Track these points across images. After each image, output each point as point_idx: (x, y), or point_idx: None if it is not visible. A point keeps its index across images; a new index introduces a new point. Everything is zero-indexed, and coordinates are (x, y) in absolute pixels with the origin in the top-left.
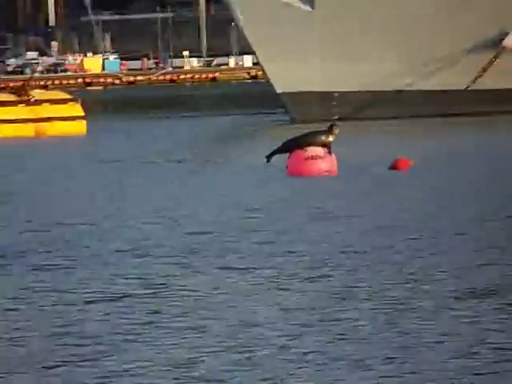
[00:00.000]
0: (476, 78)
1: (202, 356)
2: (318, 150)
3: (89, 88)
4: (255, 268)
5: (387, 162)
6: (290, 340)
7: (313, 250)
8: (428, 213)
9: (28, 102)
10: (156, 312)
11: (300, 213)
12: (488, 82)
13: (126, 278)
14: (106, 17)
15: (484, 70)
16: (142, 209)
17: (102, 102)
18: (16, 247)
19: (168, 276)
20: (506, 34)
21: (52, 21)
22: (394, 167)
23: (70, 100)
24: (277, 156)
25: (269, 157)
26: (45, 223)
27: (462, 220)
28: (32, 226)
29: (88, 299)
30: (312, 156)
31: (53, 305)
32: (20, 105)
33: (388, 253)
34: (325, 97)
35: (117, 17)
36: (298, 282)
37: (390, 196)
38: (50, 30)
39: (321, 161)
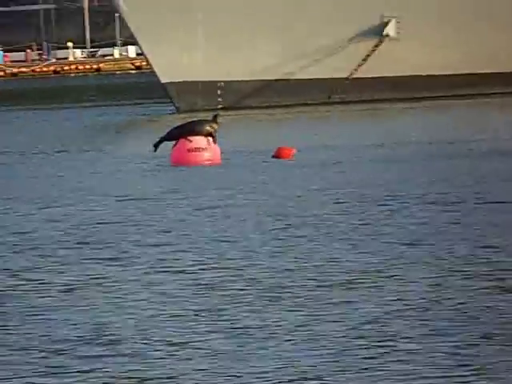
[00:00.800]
0: (358, 66)
1: None
2: (201, 142)
3: None
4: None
5: (270, 151)
6: None
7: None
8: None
9: None
10: None
11: (184, 203)
12: (370, 70)
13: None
14: None
15: (366, 58)
16: (24, 199)
17: None
18: None
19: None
20: (387, 22)
21: None
22: (277, 155)
23: None
24: (162, 146)
25: (156, 145)
26: None
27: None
28: None
29: None
30: (195, 148)
31: None
32: None
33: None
34: (209, 86)
35: (0, 8)
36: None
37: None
38: None
39: (204, 152)
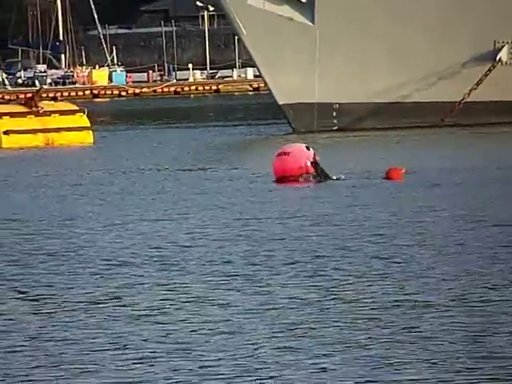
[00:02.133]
0: (471, 91)
1: None
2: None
3: (96, 100)
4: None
5: (381, 172)
6: None
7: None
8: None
9: (37, 113)
10: None
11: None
12: (482, 95)
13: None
14: (113, 30)
15: (479, 82)
16: (150, 212)
17: (109, 113)
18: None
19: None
20: (501, 48)
21: (61, 35)
22: (387, 176)
23: (78, 111)
24: None
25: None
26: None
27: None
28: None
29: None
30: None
31: None
32: (29, 116)
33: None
34: (324, 108)
35: (123, 30)
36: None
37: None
38: (58, 43)
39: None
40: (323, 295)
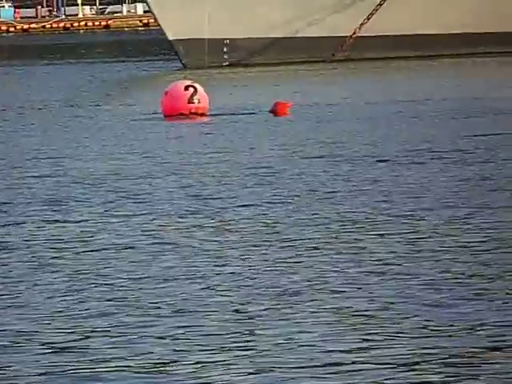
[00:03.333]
0: (361, 25)
1: None
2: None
3: None
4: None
5: (267, 106)
6: None
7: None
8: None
9: None
10: None
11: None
12: (374, 28)
13: None
14: None
15: (369, 17)
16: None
17: None
18: None
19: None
20: None
21: None
22: (273, 111)
23: None
24: None
25: None
26: None
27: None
28: None
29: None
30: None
31: None
32: None
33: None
34: (216, 43)
35: None
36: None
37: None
38: None
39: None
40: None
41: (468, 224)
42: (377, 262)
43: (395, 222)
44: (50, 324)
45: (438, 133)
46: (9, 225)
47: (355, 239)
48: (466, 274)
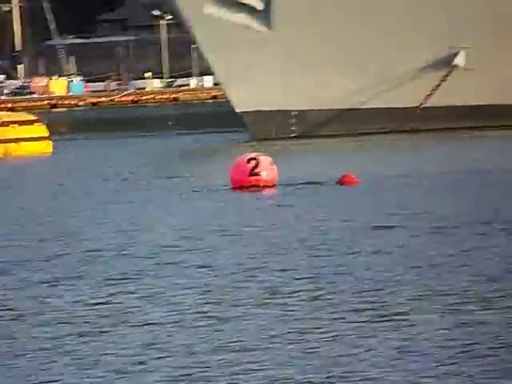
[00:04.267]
0: (428, 96)
1: None
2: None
3: (54, 110)
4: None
5: (336, 177)
6: None
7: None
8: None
9: None
10: None
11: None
12: (439, 100)
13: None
14: (71, 40)
15: (436, 88)
16: (105, 222)
17: (67, 123)
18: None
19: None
20: (456, 53)
21: (18, 45)
22: (341, 182)
23: (36, 121)
24: None
25: None
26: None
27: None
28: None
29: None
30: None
31: None
32: None
33: None
34: (283, 115)
35: (81, 40)
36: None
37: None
38: (15, 54)
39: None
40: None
41: None
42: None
43: None
44: None
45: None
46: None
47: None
48: None
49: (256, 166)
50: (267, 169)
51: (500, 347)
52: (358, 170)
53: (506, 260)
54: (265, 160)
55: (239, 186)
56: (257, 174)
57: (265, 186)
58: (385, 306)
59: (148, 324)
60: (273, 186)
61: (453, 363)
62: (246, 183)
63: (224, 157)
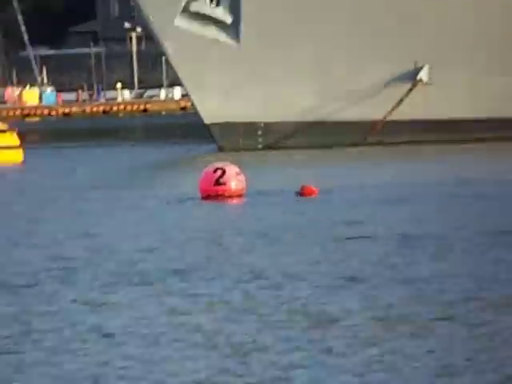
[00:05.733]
0: (392, 110)
1: None
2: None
3: (27, 119)
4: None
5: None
6: None
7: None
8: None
9: None
10: None
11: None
12: (404, 113)
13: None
14: (43, 51)
15: (400, 102)
16: (73, 232)
17: (39, 133)
18: None
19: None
20: (420, 68)
21: None
22: (301, 193)
23: (7, 130)
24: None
25: None
26: None
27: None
28: None
29: None
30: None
31: None
32: None
33: None
34: (250, 127)
35: (53, 51)
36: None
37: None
38: None
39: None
40: None
41: None
42: None
43: None
44: None
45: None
46: None
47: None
48: None
49: (222, 176)
50: (234, 179)
51: None
52: (318, 182)
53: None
54: (231, 170)
55: (206, 196)
56: (223, 184)
57: (231, 196)
58: None
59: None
60: (240, 195)
61: None
62: (213, 192)
63: (191, 167)
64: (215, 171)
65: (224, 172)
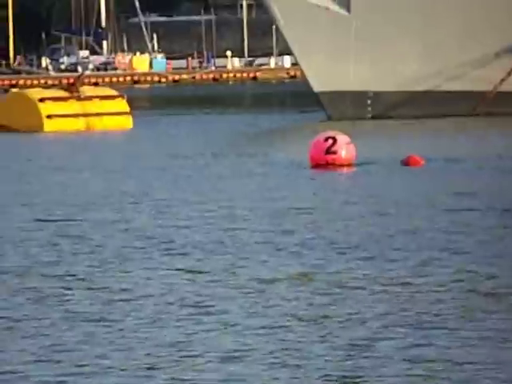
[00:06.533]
0: (502, 80)
1: None
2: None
3: (136, 86)
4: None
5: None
6: None
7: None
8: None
9: (78, 98)
10: None
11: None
12: None
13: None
14: (154, 18)
15: (510, 72)
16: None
17: (149, 99)
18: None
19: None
20: None
21: (103, 22)
22: (406, 163)
23: (117, 96)
24: None
25: None
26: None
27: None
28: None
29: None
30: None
31: None
32: (71, 100)
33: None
34: (359, 96)
35: (164, 18)
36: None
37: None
38: (100, 30)
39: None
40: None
41: None
42: None
43: None
44: None
45: None
46: None
47: None
48: None
49: (333, 145)
50: (344, 148)
51: None
52: (424, 152)
53: None
54: (342, 139)
55: (316, 164)
56: (333, 153)
57: (342, 165)
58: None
59: None
60: (349, 165)
61: None
62: (323, 161)
63: (300, 135)
64: (326, 140)
65: (335, 141)
